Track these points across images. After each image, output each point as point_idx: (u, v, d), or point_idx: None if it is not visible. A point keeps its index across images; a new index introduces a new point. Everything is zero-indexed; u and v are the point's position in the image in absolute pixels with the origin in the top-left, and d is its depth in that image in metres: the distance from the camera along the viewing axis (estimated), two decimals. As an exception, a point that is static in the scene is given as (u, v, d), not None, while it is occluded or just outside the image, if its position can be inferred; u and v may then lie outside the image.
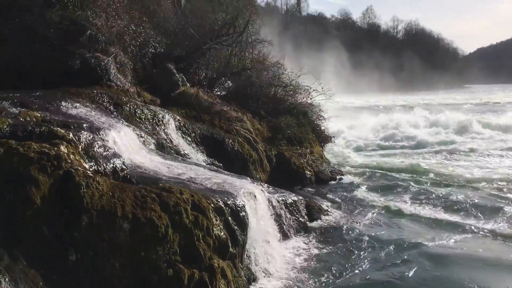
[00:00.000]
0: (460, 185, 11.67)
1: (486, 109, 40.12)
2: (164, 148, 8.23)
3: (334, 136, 15.68)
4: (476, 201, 9.86)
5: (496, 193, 10.66)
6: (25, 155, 4.31)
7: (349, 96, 50.78)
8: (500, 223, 8.41)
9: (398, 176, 12.93)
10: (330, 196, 10.29)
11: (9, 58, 8.78)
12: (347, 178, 12.52)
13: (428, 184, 11.78)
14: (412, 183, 11.66)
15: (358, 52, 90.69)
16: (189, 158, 8.58)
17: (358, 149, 19.31)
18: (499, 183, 11.73)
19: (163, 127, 8.86)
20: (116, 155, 5.73)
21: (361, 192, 10.73)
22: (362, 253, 6.95)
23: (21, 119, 5.48)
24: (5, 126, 4.97)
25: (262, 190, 7.55)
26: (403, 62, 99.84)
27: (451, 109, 34.77)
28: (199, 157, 9.23)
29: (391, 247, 7.12)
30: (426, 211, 9.15)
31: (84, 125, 5.95)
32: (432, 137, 21.10)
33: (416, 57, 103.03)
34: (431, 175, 13.04)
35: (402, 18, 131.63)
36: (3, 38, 8.89)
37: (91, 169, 5.06)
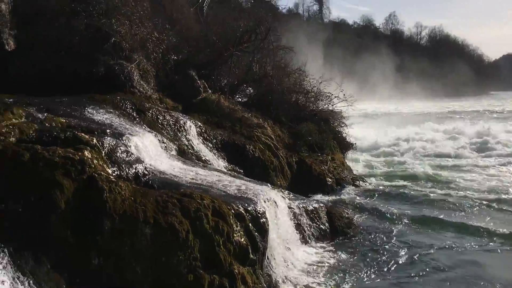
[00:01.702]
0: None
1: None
2: (185, 154, 8.29)
3: (355, 143, 15.53)
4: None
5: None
6: (50, 160, 4.40)
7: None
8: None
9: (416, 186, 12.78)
10: (351, 203, 10.18)
11: (36, 65, 9.03)
12: (368, 186, 12.38)
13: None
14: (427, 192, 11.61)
15: (386, 58, 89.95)
16: (210, 164, 8.62)
17: (380, 158, 19.04)
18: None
19: (184, 133, 8.93)
20: (138, 161, 5.81)
21: (382, 201, 10.58)
22: (382, 262, 6.86)
23: (46, 124, 5.61)
24: (31, 132, 5.10)
25: (282, 196, 7.54)
26: (427, 68, 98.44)
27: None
28: (220, 163, 9.27)
29: (410, 258, 7.02)
30: (449, 220, 8.98)
31: (108, 130, 6.05)
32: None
33: (440, 63, 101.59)
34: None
35: (426, 24, 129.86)
36: (31, 46, 9.14)
37: (114, 174, 5.13)
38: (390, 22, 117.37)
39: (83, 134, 5.37)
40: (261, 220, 5.75)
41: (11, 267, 3.71)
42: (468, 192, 11.79)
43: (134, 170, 5.53)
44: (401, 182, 13.27)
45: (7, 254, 3.75)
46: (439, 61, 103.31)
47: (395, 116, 39.34)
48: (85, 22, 9.69)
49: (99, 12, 10.02)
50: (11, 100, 6.41)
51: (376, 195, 11.17)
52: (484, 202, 10.40)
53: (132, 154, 5.85)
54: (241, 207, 5.65)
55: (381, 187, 12.20)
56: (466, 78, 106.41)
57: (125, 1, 10.61)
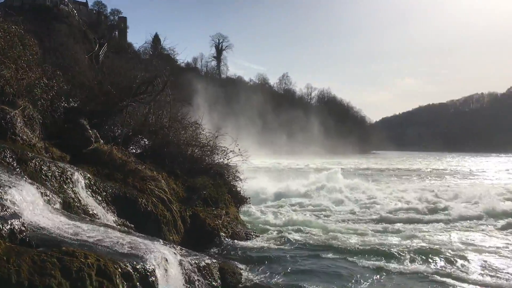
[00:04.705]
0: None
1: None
2: (71, 207, 7.75)
3: (250, 198, 15.77)
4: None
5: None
6: None
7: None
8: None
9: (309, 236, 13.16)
10: (244, 258, 10.17)
11: None
12: (261, 240, 12.50)
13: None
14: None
15: (276, 116, 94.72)
16: (98, 219, 8.14)
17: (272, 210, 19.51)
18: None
19: (71, 185, 8.38)
20: (14, 215, 5.29)
21: (276, 254, 10.73)
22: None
23: None
24: None
25: (174, 252, 7.29)
26: (316, 127, 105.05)
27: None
28: (109, 217, 8.79)
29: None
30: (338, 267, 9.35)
31: (-19, 182, 5.48)
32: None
33: (328, 122, 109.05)
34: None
35: (315, 86, 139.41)
36: None
37: (-16, 231, 4.61)
38: (283, 82, 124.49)
39: (-51, 185, 4.80)
40: (150, 279, 5.48)
41: None
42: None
43: (9, 226, 5.01)
44: (293, 234, 13.62)
45: None
46: (330, 121, 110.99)
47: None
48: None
49: (-20, 53, 9.32)
50: None
51: (269, 249, 11.31)
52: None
53: (8, 208, 5.32)
54: (129, 266, 5.35)
55: (273, 241, 12.38)
56: (353, 138, 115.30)
57: (12, 44, 10.00)
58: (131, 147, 14.12)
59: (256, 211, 18.43)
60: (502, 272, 9.91)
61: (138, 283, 5.29)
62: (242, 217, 14.91)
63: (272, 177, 30.78)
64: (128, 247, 6.07)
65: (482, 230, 15.51)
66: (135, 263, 5.50)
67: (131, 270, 5.31)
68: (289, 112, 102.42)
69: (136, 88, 13.68)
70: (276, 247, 11.62)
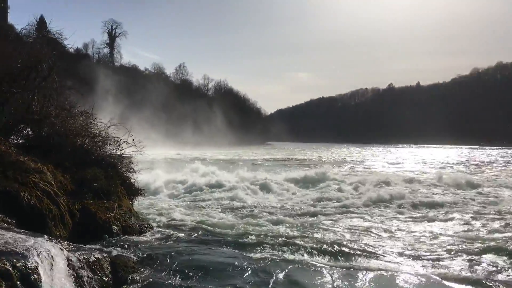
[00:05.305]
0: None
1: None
2: None
3: (144, 189, 15.41)
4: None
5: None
6: None
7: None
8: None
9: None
10: (137, 252, 9.91)
11: None
12: (156, 232, 12.31)
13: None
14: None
15: (173, 107, 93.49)
16: (-28, 215, 7.43)
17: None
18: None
19: None
20: None
21: (171, 248, 10.60)
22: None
23: None
24: None
25: (61, 248, 6.90)
26: (219, 119, 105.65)
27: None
28: (-14, 213, 8.06)
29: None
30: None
31: None
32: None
33: (224, 114, 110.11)
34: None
35: (212, 77, 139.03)
36: None
37: None
38: (180, 72, 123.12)
39: None
40: (33, 277, 5.14)
41: None
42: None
43: None
44: (192, 228, 13.59)
45: None
46: (231, 113, 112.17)
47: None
48: None
49: None
50: None
51: (164, 243, 11.16)
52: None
53: None
54: (8, 264, 4.97)
55: (169, 235, 12.25)
56: (253, 130, 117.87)
57: None
58: (13, 138, 13.01)
59: (159, 203, 18.20)
60: (398, 256, 10.66)
61: (18, 282, 4.94)
62: (142, 210, 14.55)
63: (177, 169, 30.40)
64: (7, 244, 5.63)
65: (379, 217, 16.37)
66: (15, 260, 5.12)
67: (10, 269, 4.94)
68: (192, 103, 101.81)
69: (16, 74, 12.59)
70: (171, 241, 11.43)
